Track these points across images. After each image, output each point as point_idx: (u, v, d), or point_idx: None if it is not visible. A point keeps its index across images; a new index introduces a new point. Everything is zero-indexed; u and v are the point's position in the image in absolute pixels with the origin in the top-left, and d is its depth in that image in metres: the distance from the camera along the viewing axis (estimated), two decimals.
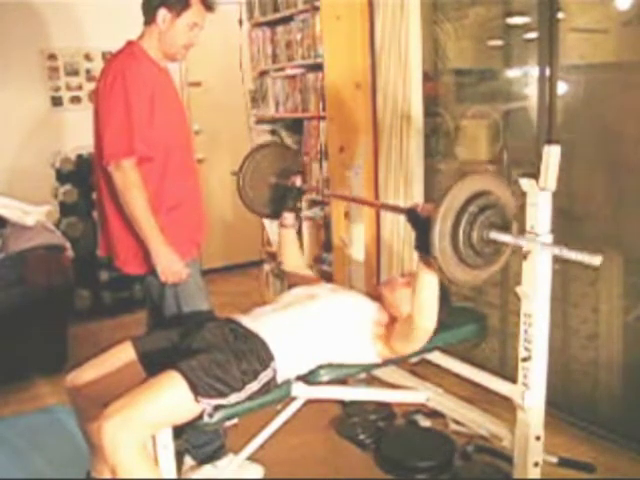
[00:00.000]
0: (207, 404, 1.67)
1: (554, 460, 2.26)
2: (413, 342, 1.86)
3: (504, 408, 2.23)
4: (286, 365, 1.83)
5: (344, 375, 2.03)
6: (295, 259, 2.39)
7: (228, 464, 2.30)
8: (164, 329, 2.08)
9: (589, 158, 2.69)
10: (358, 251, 2.91)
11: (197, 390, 1.65)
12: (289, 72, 3.82)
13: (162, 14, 2.13)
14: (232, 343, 1.83)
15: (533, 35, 2.71)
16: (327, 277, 3.39)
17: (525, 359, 1.94)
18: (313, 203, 3.76)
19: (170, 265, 2.15)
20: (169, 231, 2.15)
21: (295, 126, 3.93)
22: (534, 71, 2.68)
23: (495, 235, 1.64)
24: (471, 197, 1.62)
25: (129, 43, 2.20)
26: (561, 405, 2.65)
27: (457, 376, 2.26)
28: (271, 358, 1.80)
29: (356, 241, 2.90)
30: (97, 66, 4.54)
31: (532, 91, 2.79)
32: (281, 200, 2.36)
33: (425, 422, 2.72)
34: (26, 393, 3.25)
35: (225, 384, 1.69)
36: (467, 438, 2.53)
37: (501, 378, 2.10)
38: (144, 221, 2.09)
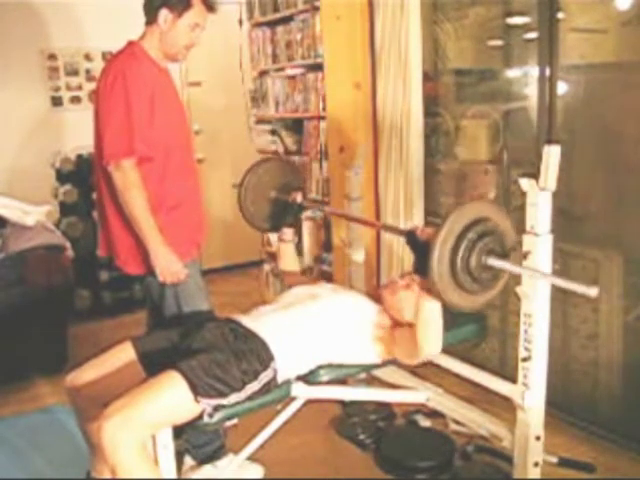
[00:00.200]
0: (207, 404, 1.67)
1: (554, 460, 2.26)
2: (416, 359, 1.89)
3: (504, 408, 2.23)
4: (286, 365, 1.83)
5: (344, 375, 2.03)
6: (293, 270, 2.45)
7: (228, 464, 2.30)
8: (164, 329, 2.08)
9: (589, 158, 2.69)
10: (358, 251, 2.91)
11: (197, 390, 1.65)
12: (289, 72, 3.82)
13: (164, 14, 2.13)
14: (232, 343, 1.83)
15: (533, 35, 2.70)
16: (327, 277, 3.38)
17: (525, 359, 1.94)
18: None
19: (168, 265, 2.15)
20: (169, 231, 2.15)
21: (295, 126, 3.93)
22: (534, 71, 2.68)
23: (493, 262, 1.66)
24: (470, 224, 1.65)
25: (130, 43, 2.20)
26: (561, 405, 2.65)
27: (457, 376, 2.26)
28: (271, 358, 1.80)
29: (356, 241, 2.90)
30: (97, 66, 4.54)
31: (532, 91, 2.79)
32: (281, 215, 2.38)
33: (425, 422, 2.72)
34: (26, 393, 3.25)
35: (225, 384, 1.69)
36: (467, 438, 2.53)
37: (501, 378, 2.10)
38: (143, 221, 2.09)
